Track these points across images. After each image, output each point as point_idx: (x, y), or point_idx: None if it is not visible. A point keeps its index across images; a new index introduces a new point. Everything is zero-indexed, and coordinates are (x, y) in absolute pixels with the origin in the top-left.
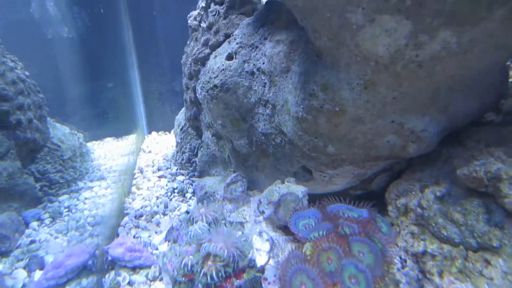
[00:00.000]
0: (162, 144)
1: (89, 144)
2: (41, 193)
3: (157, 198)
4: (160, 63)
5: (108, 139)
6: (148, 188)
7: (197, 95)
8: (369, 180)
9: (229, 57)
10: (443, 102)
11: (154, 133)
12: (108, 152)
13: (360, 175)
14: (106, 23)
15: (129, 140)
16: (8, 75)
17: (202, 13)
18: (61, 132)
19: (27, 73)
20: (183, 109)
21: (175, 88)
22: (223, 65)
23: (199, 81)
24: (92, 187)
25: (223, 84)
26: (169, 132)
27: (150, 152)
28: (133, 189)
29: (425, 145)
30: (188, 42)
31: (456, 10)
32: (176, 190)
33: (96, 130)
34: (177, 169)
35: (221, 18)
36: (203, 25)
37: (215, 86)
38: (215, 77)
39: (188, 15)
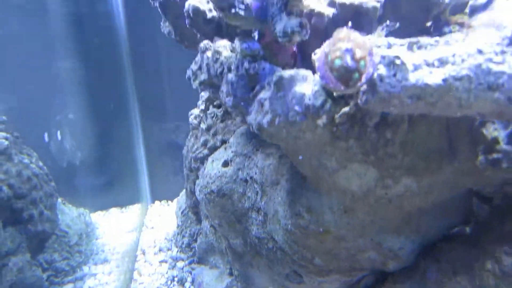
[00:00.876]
0: (165, 218)
1: (94, 216)
2: (47, 283)
3: None
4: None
5: (113, 209)
6: (149, 274)
7: (196, 194)
8: (357, 281)
9: (225, 164)
10: (415, 224)
11: (157, 202)
12: (112, 227)
13: (347, 282)
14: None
15: (134, 212)
16: (24, 173)
17: (201, 115)
18: (69, 217)
19: (41, 163)
20: (185, 183)
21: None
22: (219, 171)
23: (198, 182)
24: (96, 274)
25: (220, 190)
26: (171, 201)
27: (152, 228)
28: (135, 274)
29: (402, 262)
30: (189, 137)
31: (412, 165)
32: (176, 279)
33: (101, 199)
34: (177, 252)
35: (218, 121)
36: (203, 126)
37: (212, 191)
38: (212, 183)
39: (189, 113)
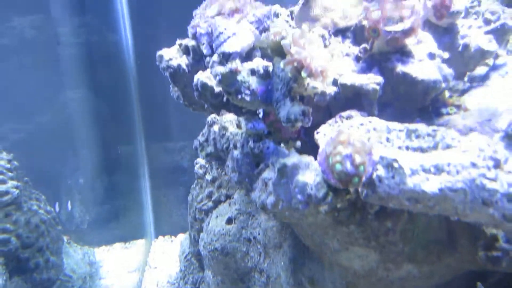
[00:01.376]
0: (168, 256)
1: (98, 251)
2: None
3: None
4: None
5: (117, 244)
6: None
7: (200, 249)
8: None
9: (229, 221)
10: None
11: (160, 237)
12: (116, 265)
13: None
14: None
15: (137, 248)
16: (32, 221)
17: (207, 165)
18: (74, 260)
19: (48, 207)
20: (189, 230)
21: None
22: (223, 229)
23: (202, 235)
24: None
25: (223, 249)
26: (175, 236)
27: (155, 268)
28: None
29: None
30: (194, 186)
31: (412, 254)
32: None
33: (106, 234)
34: None
35: (223, 173)
36: (208, 177)
37: (216, 249)
38: (216, 240)
39: (195, 161)
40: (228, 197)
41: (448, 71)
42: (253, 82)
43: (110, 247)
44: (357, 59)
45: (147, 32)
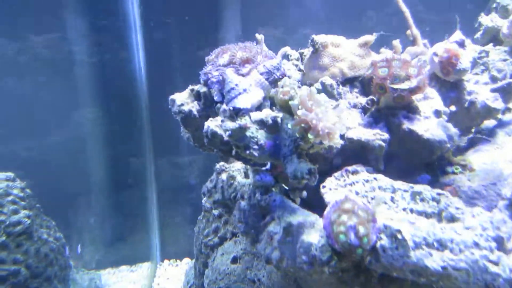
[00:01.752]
0: (173, 282)
1: (104, 274)
2: None
3: None
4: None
5: (123, 267)
6: None
7: (204, 285)
8: None
9: (234, 261)
10: None
11: (166, 261)
12: None
13: None
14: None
15: (143, 272)
16: (42, 250)
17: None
18: (80, 287)
19: (58, 234)
20: (194, 261)
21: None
22: (228, 268)
23: (207, 272)
24: None
25: None
26: (180, 261)
27: None
28: None
29: None
30: (201, 218)
31: None
32: None
33: (113, 256)
34: None
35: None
36: (215, 212)
37: None
38: (220, 280)
39: (202, 190)
40: (234, 234)
41: (453, 130)
42: (262, 136)
43: (117, 269)
44: (364, 110)
45: (158, 51)
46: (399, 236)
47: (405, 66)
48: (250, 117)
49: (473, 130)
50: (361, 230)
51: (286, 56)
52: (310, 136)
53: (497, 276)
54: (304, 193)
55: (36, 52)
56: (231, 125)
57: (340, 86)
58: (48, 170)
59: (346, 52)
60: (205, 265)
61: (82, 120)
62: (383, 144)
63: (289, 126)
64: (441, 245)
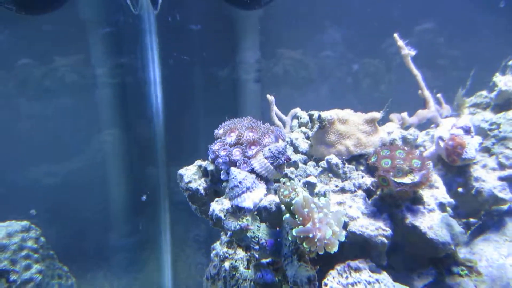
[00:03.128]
0: None
1: None
2: None
3: None
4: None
5: None
6: None
7: None
8: None
9: None
10: None
11: None
12: None
13: None
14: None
15: None
16: None
17: None
18: None
19: (70, 281)
20: None
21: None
22: None
23: None
24: None
25: None
26: None
27: None
28: None
29: None
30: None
31: None
32: None
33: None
34: None
35: None
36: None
37: None
38: None
39: (205, 275)
40: None
41: (458, 229)
42: (263, 234)
43: None
44: (369, 192)
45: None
46: None
47: (409, 158)
48: (251, 218)
49: (482, 213)
50: None
51: (296, 117)
52: (305, 246)
53: None
54: None
55: (61, 75)
56: (233, 225)
57: (346, 164)
58: (69, 196)
59: (353, 129)
60: None
61: (103, 144)
62: (386, 241)
63: (289, 238)
64: None
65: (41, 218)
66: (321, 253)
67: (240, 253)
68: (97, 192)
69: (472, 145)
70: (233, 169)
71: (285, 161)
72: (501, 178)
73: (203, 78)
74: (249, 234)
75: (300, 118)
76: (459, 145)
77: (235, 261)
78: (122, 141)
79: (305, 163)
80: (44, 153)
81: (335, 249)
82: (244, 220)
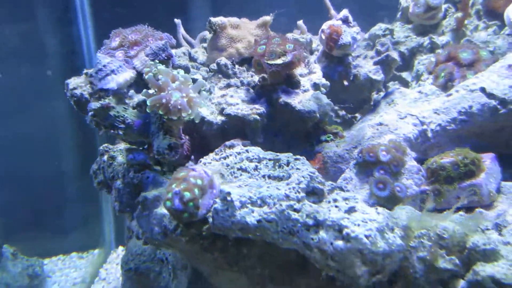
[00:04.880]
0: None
1: (52, 263)
2: None
3: None
4: None
5: (73, 254)
6: None
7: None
8: None
9: (145, 242)
10: None
11: (120, 247)
12: (64, 276)
13: None
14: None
15: (92, 259)
16: None
17: None
18: (10, 274)
19: None
20: None
21: None
22: (139, 249)
23: (123, 256)
24: None
25: (137, 269)
26: None
27: (104, 279)
28: None
29: None
30: None
31: (272, 277)
32: None
33: (64, 242)
34: None
35: None
36: None
37: (130, 269)
38: (131, 260)
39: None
40: None
41: (325, 101)
42: (130, 115)
43: (67, 256)
44: (256, 88)
45: None
46: (229, 198)
47: (283, 43)
48: (116, 99)
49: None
50: (187, 195)
51: (204, 40)
52: (160, 112)
53: (296, 222)
54: None
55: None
56: (93, 104)
57: (237, 66)
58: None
59: (244, 33)
60: None
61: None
62: (258, 118)
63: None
64: (263, 202)
65: None
66: (174, 118)
67: (121, 146)
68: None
69: (348, 32)
70: (99, 55)
71: (166, 58)
72: (375, 63)
73: None
74: (112, 112)
75: (207, 39)
76: (334, 31)
77: (114, 152)
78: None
79: (198, 69)
80: None
81: (191, 115)
82: (107, 100)
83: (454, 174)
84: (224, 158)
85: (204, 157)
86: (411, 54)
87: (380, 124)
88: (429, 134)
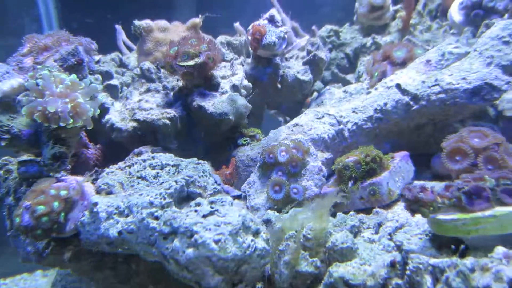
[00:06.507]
0: None
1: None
2: None
3: None
4: None
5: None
6: None
7: None
8: None
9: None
10: None
11: None
12: None
13: None
14: None
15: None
16: None
17: None
18: None
19: None
20: None
21: None
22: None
23: None
24: None
25: None
26: None
27: None
28: None
29: None
30: None
31: None
32: None
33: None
34: None
35: None
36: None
37: None
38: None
39: None
40: None
41: (240, 103)
42: (18, 125)
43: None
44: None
45: None
46: (94, 209)
47: (199, 44)
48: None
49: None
50: (39, 209)
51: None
52: (38, 120)
53: (153, 230)
54: None
55: None
56: None
57: (162, 70)
58: None
59: (173, 36)
60: None
61: None
62: (168, 122)
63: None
64: (130, 211)
65: None
66: (54, 126)
67: (23, 158)
68: None
69: (273, 32)
70: None
71: (75, 62)
72: (304, 63)
73: None
74: None
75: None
76: (257, 31)
77: (12, 165)
78: None
79: (123, 74)
80: None
81: (77, 122)
82: None
83: (357, 173)
84: (129, 166)
85: (110, 167)
86: (355, 55)
87: (296, 125)
88: (346, 134)
